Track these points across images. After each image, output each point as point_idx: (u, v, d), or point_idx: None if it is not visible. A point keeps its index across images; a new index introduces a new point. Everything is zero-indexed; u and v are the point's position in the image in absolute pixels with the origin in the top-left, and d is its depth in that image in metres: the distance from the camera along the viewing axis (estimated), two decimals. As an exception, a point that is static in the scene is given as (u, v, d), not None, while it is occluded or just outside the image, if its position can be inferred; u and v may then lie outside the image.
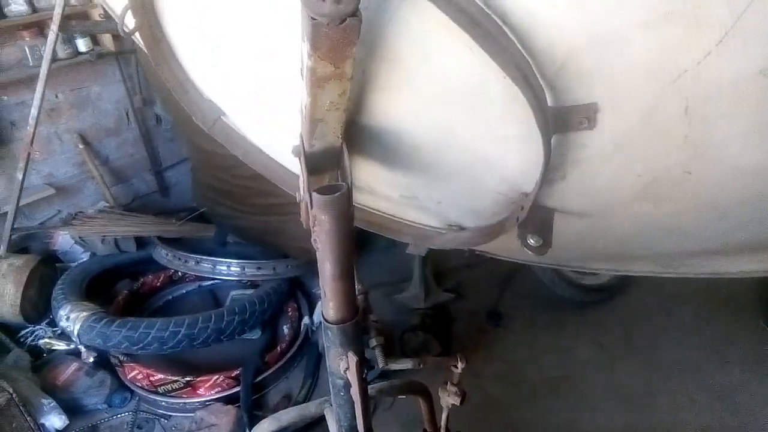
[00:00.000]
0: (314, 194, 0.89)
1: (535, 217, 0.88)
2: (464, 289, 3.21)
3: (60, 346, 2.68)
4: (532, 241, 0.87)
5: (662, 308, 3.03)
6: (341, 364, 1.02)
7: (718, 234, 0.96)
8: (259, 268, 2.90)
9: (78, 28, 3.03)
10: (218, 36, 0.96)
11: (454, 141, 0.89)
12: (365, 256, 3.55)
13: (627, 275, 3.10)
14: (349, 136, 0.95)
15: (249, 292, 2.96)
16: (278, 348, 2.70)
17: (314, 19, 0.63)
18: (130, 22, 1.01)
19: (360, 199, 1.28)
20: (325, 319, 1.02)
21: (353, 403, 1.04)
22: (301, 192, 0.97)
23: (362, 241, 3.53)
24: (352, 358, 0.96)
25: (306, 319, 2.91)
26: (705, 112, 0.68)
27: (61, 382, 2.52)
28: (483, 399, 2.53)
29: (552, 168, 0.80)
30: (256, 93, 1.03)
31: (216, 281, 3.14)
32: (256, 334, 2.81)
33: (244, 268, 2.89)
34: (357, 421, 1.01)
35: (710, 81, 0.64)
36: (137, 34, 1.02)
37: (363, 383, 0.99)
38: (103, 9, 2.56)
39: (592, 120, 0.71)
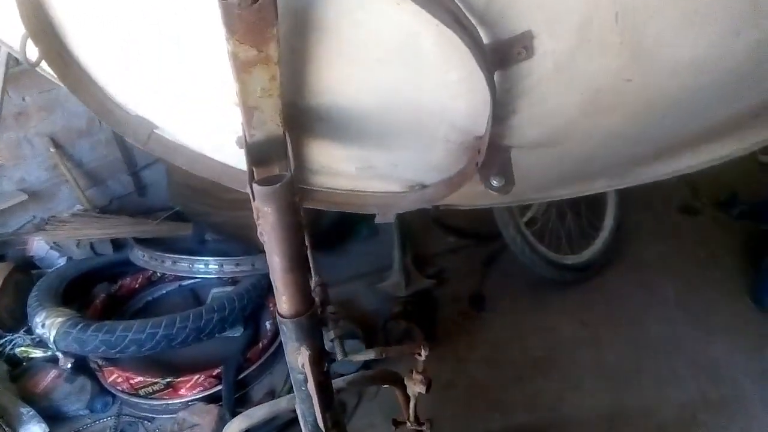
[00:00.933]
0: (255, 186, 0.86)
1: (494, 157, 0.87)
2: (446, 275, 3.19)
3: (37, 353, 2.64)
4: (495, 182, 0.87)
5: (645, 284, 3.02)
6: (298, 358, 0.99)
7: (664, 134, 0.99)
8: (237, 264, 2.86)
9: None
10: (130, 38, 0.89)
11: (400, 101, 0.87)
12: (346, 246, 3.52)
13: (610, 250, 3.11)
14: (292, 121, 0.92)
15: (230, 289, 2.93)
16: (260, 344, 2.67)
17: (224, 0, 0.60)
18: (32, 51, 0.92)
19: (318, 181, 1.25)
20: (279, 314, 0.99)
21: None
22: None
23: (343, 231, 3.51)
24: (305, 353, 0.93)
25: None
26: (634, 16, 0.68)
27: (40, 390, 2.48)
28: (468, 383, 2.52)
29: (500, 105, 0.80)
30: (184, 94, 0.98)
31: (196, 280, 3.10)
32: (237, 331, 2.78)
33: (222, 266, 2.86)
34: (316, 416, 0.99)
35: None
36: (43, 63, 0.94)
37: (320, 377, 0.97)
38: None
39: (530, 48, 0.71)
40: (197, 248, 3.12)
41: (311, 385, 0.96)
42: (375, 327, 2.79)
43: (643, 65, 0.75)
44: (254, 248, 3.00)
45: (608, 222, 3.18)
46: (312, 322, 0.99)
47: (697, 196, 3.63)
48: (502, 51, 0.71)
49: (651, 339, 2.70)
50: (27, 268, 3.08)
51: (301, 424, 1.20)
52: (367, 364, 2.30)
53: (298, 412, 1.19)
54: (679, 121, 0.93)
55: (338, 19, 0.73)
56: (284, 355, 2.69)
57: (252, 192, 0.87)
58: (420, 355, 1.16)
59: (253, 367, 2.59)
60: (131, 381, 2.44)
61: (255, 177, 0.92)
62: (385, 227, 3.37)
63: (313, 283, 1.11)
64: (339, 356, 1.04)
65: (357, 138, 1.00)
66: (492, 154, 0.87)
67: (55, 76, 1.00)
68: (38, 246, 3.18)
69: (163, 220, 3.23)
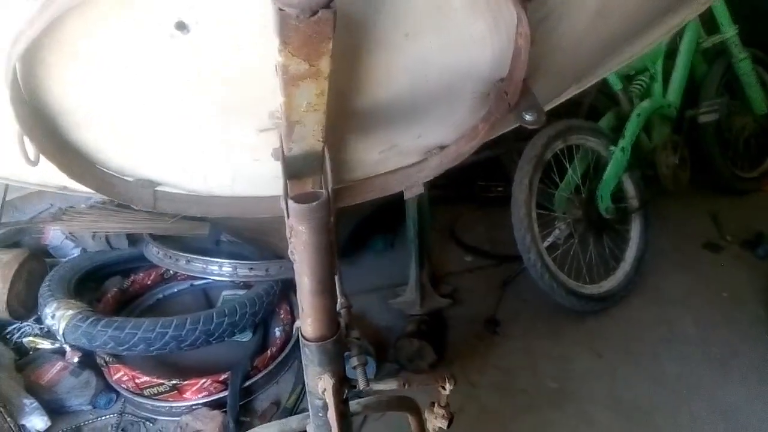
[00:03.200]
0: (290, 202, 0.82)
1: (523, 94, 0.87)
2: (461, 295, 3.13)
3: (45, 344, 2.62)
4: (528, 116, 0.87)
5: (664, 319, 2.94)
6: (319, 384, 0.95)
7: (638, 21, 1.11)
8: (251, 268, 2.83)
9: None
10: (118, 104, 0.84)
11: (429, 71, 0.86)
12: (361, 260, 3.48)
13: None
14: (330, 138, 0.88)
15: (241, 292, 2.90)
16: (269, 351, 2.63)
17: (282, 9, 0.56)
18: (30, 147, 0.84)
19: (340, 178, 1.20)
20: (303, 336, 0.94)
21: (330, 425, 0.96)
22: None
23: (358, 243, 3.47)
24: (328, 381, 0.89)
25: (298, 322, 2.82)
26: None
27: (45, 382, 2.46)
28: (479, 410, 2.46)
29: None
30: (182, 139, 0.93)
31: (208, 281, 3.08)
32: (246, 337, 2.75)
33: (236, 269, 2.82)
34: (334, 446, 0.94)
35: None
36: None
37: (340, 406, 0.92)
38: None
39: None
40: (212, 249, 3.09)
41: (331, 414, 0.91)
42: (386, 344, 2.74)
43: None
44: (269, 253, 2.97)
45: (631, 254, 3.11)
46: (336, 347, 0.95)
47: (722, 233, 3.54)
48: None
49: (668, 377, 2.62)
50: (41, 257, 3.07)
51: (313, 448, 1.15)
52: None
53: (311, 435, 1.15)
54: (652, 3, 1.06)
55: (375, 9, 0.70)
56: (291, 364, 2.65)
57: (287, 209, 0.83)
58: (444, 388, 1.11)
59: (260, 375, 2.55)
60: (137, 380, 2.41)
61: (289, 193, 0.88)
62: (402, 242, 3.33)
63: (338, 305, 1.07)
64: (362, 385, 0.99)
65: (384, 123, 0.97)
66: (521, 92, 0.86)
67: (55, 166, 0.92)
68: (54, 235, 3.18)
69: (180, 219, 3.20)
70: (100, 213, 3.14)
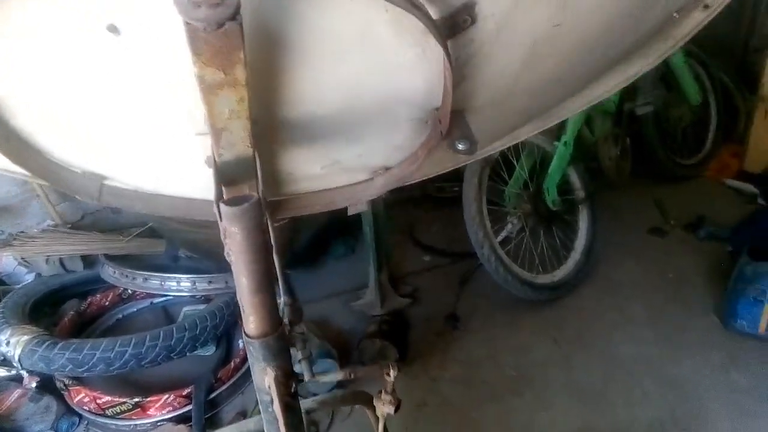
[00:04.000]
0: (222, 205, 0.86)
1: (454, 123, 0.91)
2: (421, 294, 3.20)
3: (1, 372, 2.57)
4: (461, 146, 0.90)
5: (615, 304, 3.07)
6: (265, 379, 0.99)
7: (589, 69, 1.08)
8: (210, 282, 2.84)
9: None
10: (67, 90, 0.87)
11: (361, 92, 0.90)
12: (322, 265, 3.52)
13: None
14: (258, 138, 0.92)
15: (202, 307, 2.89)
16: (232, 363, 2.64)
17: (188, 23, 0.61)
18: None
19: (282, 190, 1.24)
20: (245, 334, 0.98)
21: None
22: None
23: (319, 249, 3.50)
24: (271, 374, 0.93)
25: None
26: None
27: (3, 410, 2.41)
28: (441, 402, 2.52)
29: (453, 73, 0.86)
30: (133, 134, 0.96)
31: (168, 298, 3.06)
32: (209, 350, 2.74)
33: (194, 283, 2.83)
34: (282, 438, 0.98)
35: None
36: None
37: (285, 398, 0.96)
38: None
39: (473, 14, 0.75)
40: (170, 265, 3.08)
41: (276, 406, 0.95)
42: (350, 346, 2.78)
43: (568, 9, 0.83)
44: (228, 265, 2.97)
45: (580, 243, 3.23)
46: (279, 342, 0.99)
47: (666, 218, 3.71)
48: (449, 23, 0.75)
49: (621, 358, 2.74)
50: (-7, 285, 3.01)
51: (268, 445, 1.19)
52: (341, 384, 2.30)
53: (266, 433, 1.18)
54: (600, 52, 1.02)
55: (297, 28, 0.74)
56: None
57: (219, 212, 0.87)
58: (389, 375, 1.17)
59: (225, 386, 2.56)
60: (98, 401, 2.39)
61: (224, 197, 0.92)
62: (362, 246, 3.38)
63: (281, 303, 1.11)
64: (307, 377, 1.04)
65: (321, 138, 1.01)
66: (453, 121, 0.90)
67: None
68: (5, 262, 3.11)
69: (136, 237, 3.19)
70: (52, 236, 3.09)
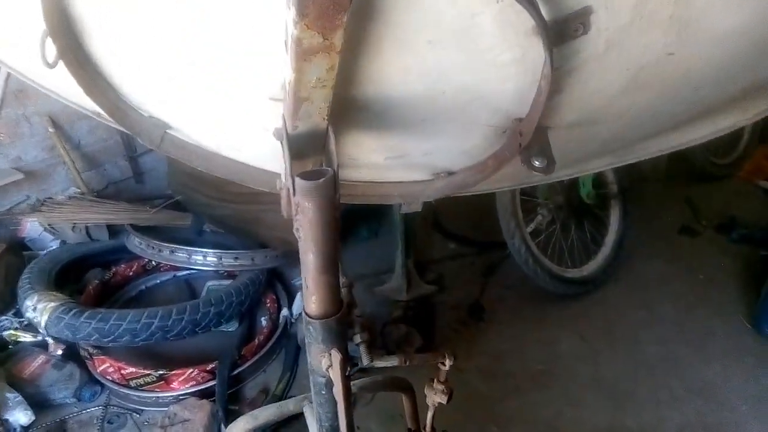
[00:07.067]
0: (297, 179, 0.82)
1: (536, 138, 0.85)
2: (446, 281, 3.17)
3: (26, 337, 2.57)
4: (537, 162, 0.84)
5: (643, 302, 3.02)
6: (323, 361, 0.96)
7: (687, 107, 0.99)
8: (236, 258, 2.81)
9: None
10: (151, 31, 0.84)
11: (447, 86, 0.84)
12: (347, 247, 3.48)
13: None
14: (333, 113, 0.88)
15: (226, 282, 2.87)
16: (256, 340, 2.63)
17: (301, -21, 0.56)
18: (50, 50, 0.85)
19: (342, 174, 1.21)
20: (306, 314, 0.95)
21: (335, 402, 0.97)
22: (283, 179, 0.90)
23: (343, 231, 3.46)
24: (336, 356, 0.89)
25: (285, 311, 2.83)
26: None
27: (27, 375, 2.41)
28: (466, 393, 2.49)
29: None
30: (206, 90, 0.93)
31: (191, 271, 3.04)
32: (233, 326, 2.73)
33: (220, 258, 2.80)
34: (339, 422, 0.95)
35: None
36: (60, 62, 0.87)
37: (347, 382, 0.93)
38: None
39: (587, 24, 0.69)
40: (195, 239, 3.06)
41: (338, 390, 0.92)
42: (373, 330, 2.75)
43: (687, 37, 0.75)
44: (253, 243, 2.95)
45: (610, 238, 3.17)
46: (340, 324, 0.95)
47: (697, 218, 3.64)
48: (559, 27, 0.69)
49: (648, 358, 2.69)
50: (18, 250, 3.00)
51: (314, 428, 1.16)
52: (363, 369, 2.27)
53: (311, 415, 1.15)
54: (705, 93, 0.94)
55: (401, 2, 0.69)
56: (278, 353, 2.64)
57: (293, 186, 0.83)
58: (444, 364, 1.13)
59: (248, 363, 2.54)
60: (122, 371, 2.38)
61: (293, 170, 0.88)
62: (386, 230, 3.35)
63: (341, 284, 1.07)
64: (365, 361, 1.00)
65: (395, 127, 0.97)
66: (535, 135, 0.84)
67: (72, 76, 0.93)
68: (31, 227, 3.10)
69: (162, 209, 3.16)
70: (79, 204, 3.08)
